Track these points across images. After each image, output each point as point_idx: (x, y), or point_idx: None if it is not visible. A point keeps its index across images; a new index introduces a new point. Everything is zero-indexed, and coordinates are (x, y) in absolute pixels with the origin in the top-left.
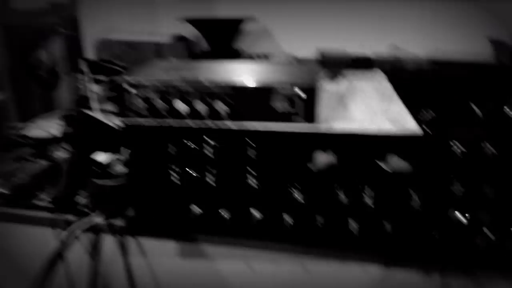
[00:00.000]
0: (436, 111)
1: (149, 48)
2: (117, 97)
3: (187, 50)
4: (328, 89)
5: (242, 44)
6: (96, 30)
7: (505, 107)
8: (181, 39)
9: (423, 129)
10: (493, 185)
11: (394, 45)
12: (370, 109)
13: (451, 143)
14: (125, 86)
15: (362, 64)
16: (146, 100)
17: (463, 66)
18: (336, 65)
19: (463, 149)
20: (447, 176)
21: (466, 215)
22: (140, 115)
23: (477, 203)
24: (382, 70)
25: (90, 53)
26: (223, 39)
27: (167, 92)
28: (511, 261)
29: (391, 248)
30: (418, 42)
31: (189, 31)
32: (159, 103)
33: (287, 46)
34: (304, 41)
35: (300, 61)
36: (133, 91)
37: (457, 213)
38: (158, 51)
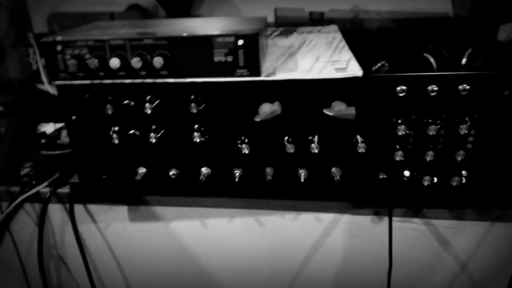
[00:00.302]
0: (391, 64)
1: (103, 19)
2: (49, 58)
3: (143, 18)
4: (279, 43)
5: (201, 10)
6: (45, 2)
7: (463, 59)
8: (137, 7)
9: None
10: (436, 126)
11: (355, 5)
12: (319, 61)
13: (397, 88)
14: (57, 46)
15: (320, 22)
16: (80, 59)
17: (423, 21)
18: (292, 23)
19: (408, 92)
20: (391, 119)
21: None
22: (74, 76)
23: (421, 144)
24: (342, 28)
25: (40, 26)
26: (180, 5)
27: (102, 50)
28: (453, 197)
29: (341, 194)
30: (380, 1)
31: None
32: (94, 62)
33: (247, 10)
34: (264, 4)
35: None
36: (64, 50)
37: (401, 153)
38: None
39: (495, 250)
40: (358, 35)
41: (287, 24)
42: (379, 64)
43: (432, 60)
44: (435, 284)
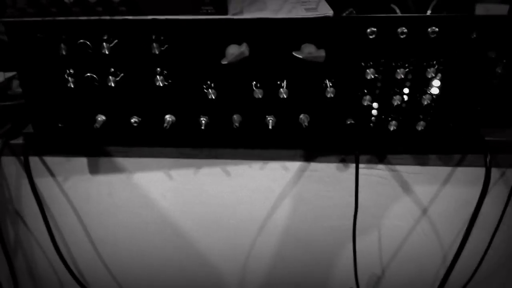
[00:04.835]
0: (358, 12)
1: None
2: None
3: None
4: None
5: None
6: None
7: (428, 10)
8: None
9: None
10: (405, 69)
11: None
12: (288, 2)
13: (367, 30)
14: None
15: None
16: None
17: None
18: None
19: (378, 34)
20: (360, 63)
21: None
22: (24, 13)
23: (388, 88)
24: None
25: None
26: None
27: None
28: (417, 142)
29: (308, 141)
30: None
31: None
32: None
33: None
34: None
35: None
36: None
37: (369, 98)
38: None
39: (455, 195)
40: None
41: None
42: (347, 11)
43: (398, 10)
44: (397, 229)
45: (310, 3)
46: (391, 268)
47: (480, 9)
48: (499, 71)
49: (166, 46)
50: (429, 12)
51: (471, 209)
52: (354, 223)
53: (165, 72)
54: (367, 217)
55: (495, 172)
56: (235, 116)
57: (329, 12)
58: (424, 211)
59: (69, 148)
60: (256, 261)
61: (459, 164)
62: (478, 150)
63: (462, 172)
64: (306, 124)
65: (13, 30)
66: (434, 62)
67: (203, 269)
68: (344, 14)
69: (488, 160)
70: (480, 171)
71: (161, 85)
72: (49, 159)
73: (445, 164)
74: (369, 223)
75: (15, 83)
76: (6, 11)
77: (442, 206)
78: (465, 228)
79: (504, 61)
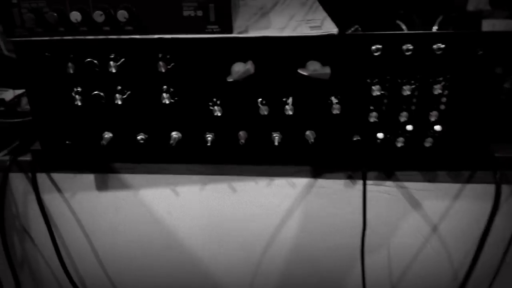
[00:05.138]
0: (364, 29)
1: None
2: (4, 12)
3: None
4: (251, 3)
5: None
6: None
7: (434, 26)
8: None
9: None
10: (411, 86)
11: None
12: (293, 20)
13: (372, 47)
14: None
15: None
16: (38, 13)
17: None
18: None
19: (383, 51)
20: (366, 79)
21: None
22: (32, 32)
23: (395, 104)
24: None
25: None
26: None
27: (61, 3)
28: (426, 159)
29: (315, 158)
30: None
31: None
32: (53, 16)
33: None
34: None
35: None
36: (21, 3)
37: (375, 114)
38: None
39: (465, 212)
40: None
41: None
42: (352, 28)
43: (403, 26)
44: (407, 246)
45: (315, 21)
46: (400, 286)
47: (487, 25)
48: (507, 87)
49: (172, 64)
50: (435, 28)
51: (482, 226)
52: (363, 241)
53: (171, 89)
54: (376, 235)
55: (505, 188)
56: (241, 133)
57: (334, 30)
58: (434, 228)
59: (76, 164)
60: (263, 279)
61: (468, 180)
62: (487, 167)
63: (471, 188)
64: (312, 140)
65: (22, 49)
66: (441, 78)
67: (209, 286)
68: (349, 31)
69: (497, 177)
70: (490, 188)
71: (168, 102)
72: (55, 175)
73: (454, 180)
74: (378, 241)
75: (24, 100)
76: (15, 31)
77: (452, 223)
78: (476, 246)
79: None
